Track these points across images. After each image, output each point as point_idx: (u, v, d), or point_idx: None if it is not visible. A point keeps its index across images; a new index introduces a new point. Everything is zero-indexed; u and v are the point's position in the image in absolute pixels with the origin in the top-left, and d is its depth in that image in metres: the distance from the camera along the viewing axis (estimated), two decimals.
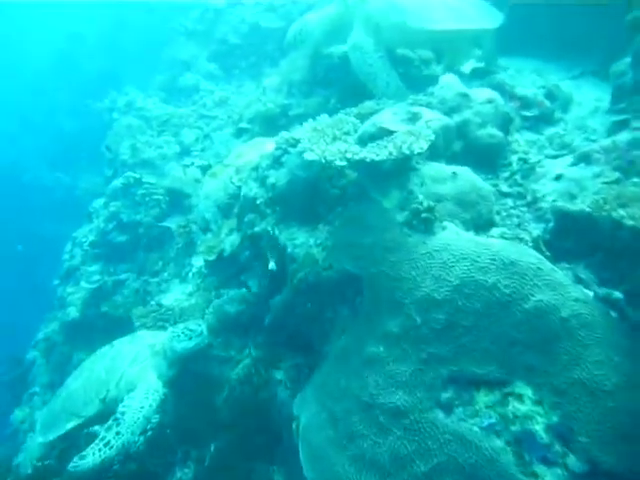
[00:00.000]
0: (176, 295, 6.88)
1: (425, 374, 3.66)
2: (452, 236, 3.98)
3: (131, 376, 5.40)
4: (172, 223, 8.08)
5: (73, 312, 8.95)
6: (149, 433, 5.05)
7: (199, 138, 9.31)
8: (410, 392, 3.66)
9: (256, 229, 5.19)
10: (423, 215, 4.03)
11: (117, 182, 9.98)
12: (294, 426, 4.60)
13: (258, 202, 5.20)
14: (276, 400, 5.54)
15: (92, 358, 6.04)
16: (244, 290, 6.19)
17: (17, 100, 25.80)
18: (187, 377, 6.15)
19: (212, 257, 5.75)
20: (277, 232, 5.11)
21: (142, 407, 4.91)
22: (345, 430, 3.91)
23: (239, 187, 5.78)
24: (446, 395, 3.56)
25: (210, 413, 5.44)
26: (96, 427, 5.38)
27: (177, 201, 8.47)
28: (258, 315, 6.08)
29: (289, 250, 4.94)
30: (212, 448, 5.12)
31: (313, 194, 5.01)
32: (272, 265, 4.98)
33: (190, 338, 5.62)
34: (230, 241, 5.61)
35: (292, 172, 4.95)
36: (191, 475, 4.92)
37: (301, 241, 4.88)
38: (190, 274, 7.12)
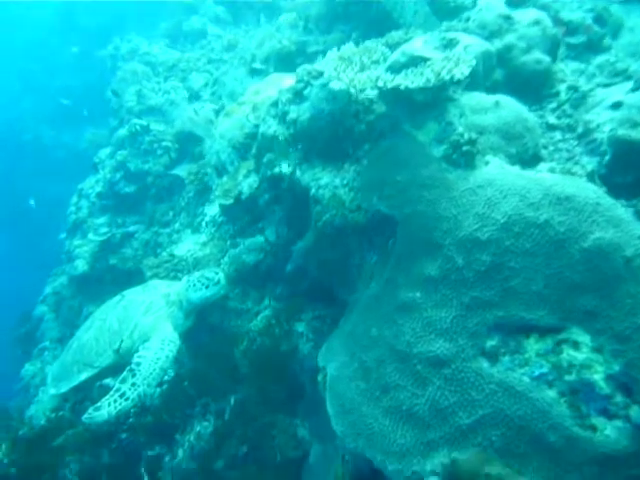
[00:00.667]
0: (189, 245, 6.61)
1: (468, 320, 3.38)
2: (497, 171, 3.64)
3: (145, 326, 5.19)
4: (182, 171, 7.75)
5: (81, 265, 8.74)
6: (165, 385, 4.86)
7: (208, 83, 8.88)
8: (451, 340, 3.39)
9: (276, 170, 4.86)
10: (464, 148, 3.69)
11: (123, 130, 9.62)
12: (320, 378, 4.37)
13: (278, 140, 4.85)
14: (297, 353, 5.34)
15: (103, 308, 5.83)
16: (262, 238, 5.92)
17: (17, 58, 25.22)
18: (204, 329, 5.95)
19: (229, 201, 5.44)
20: (299, 172, 4.78)
21: (158, 358, 4.71)
22: (378, 381, 3.67)
23: (256, 125, 5.42)
24: (491, 343, 3.29)
25: (229, 366, 5.23)
26: (110, 379, 5.20)
27: (187, 148, 8.11)
28: (277, 265, 5.83)
29: (313, 191, 4.62)
30: (232, 401, 4.93)
31: (338, 130, 4.66)
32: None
33: (207, 287, 5.39)
34: (248, 183, 5.29)
35: (315, 106, 4.58)
36: (211, 429, 4.75)
37: (326, 181, 4.56)
38: (203, 223, 6.83)
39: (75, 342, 5.58)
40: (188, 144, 8.12)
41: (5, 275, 21.75)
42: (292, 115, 4.77)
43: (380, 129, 4.44)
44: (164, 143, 8.06)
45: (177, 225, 7.52)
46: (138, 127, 8.93)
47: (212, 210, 6.79)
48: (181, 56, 10.29)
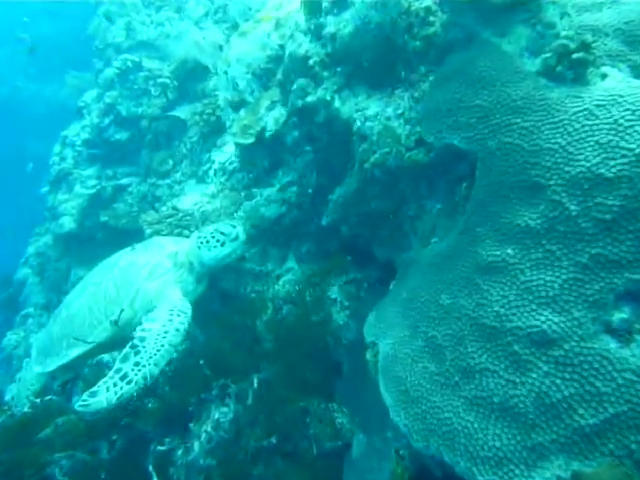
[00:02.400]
0: (195, 198, 5.81)
1: (586, 285, 2.63)
2: (621, 85, 2.83)
3: (149, 293, 4.44)
4: (183, 112, 6.88)
5: (68, 222, 7.97)
6: (176, 364, 4.12)
7: (209, 12, 7.90)
8: (562, 311, 2.65)
9: (309, 99, 4.05)
10: (574, 56, 2.87)
11: (111, 69, 8.67)
12: (369, 356, 3.68)
13: (311, 62, 4.03)
14: (331, 323, 4.63)
15: (97, 271, 5.07)
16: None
17: None
18: (215, 295, 5.23)
19: (248, 140, 4.62)
20: (338, 102, 3.97)
21: (166, 332, 3.97)
22: (456, 363, 2.95)
23: (281, 46, 4.57)
24: (621, 316, 2.55)
25: (249, 340, 4.51)
26: (107, 356, 4.48)
27: (188, 86, 7.20)
28: (303, 219, 5.07)
29: (358, 125, 3.82)
30: (255, 382, 4.21)
31: (389, 48, 3.82)
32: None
33: (222, 244, 4.62)
34: (273, 117, 4.46)
35: (360, 15, 3.74)
36: (231, 416, 4.04)
37: (374, 111, 3.77)
38: (211, 172, 6.02)
39: (64, 311, 4.83)
40: (189, 81, 7.20)
41: None
42: (329, 29, 3.92)
43: (445, 43, 3.61)
44: (161, 80, 7.15)
45: (178, 175, 6.70)
46: (129, 63, 8.02)
47: (221, 156, 5.97)
48: None
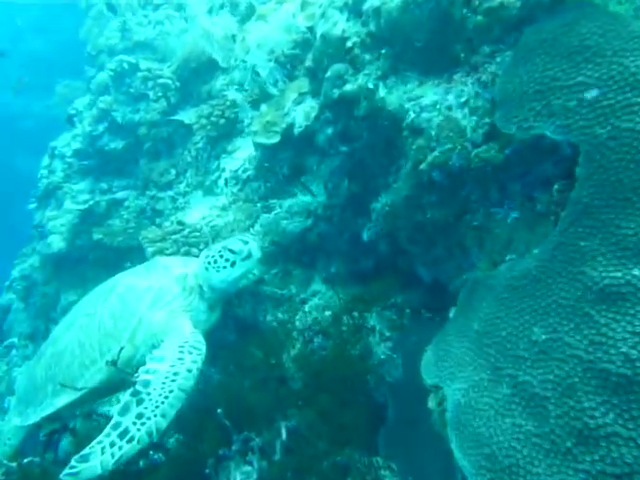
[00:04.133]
0: (203, 211, 5.18)
1: None
2: None
3: (154, 324, 3.79)
4: (187, 117, 6.25)
5: (57, 242, 7.30)
6: (187, 412, 3.44)
7: (214, 7, 7.31)
8: None
9: (347, 88, 3.43)
10: None
11: (105, 73, 8.05)
12: (432, 404, 3.03)
13: (349, 44, 3.43)
14: (371, 357, 3.98)
15: (89, 298, 4.41)
16: (309, 197, 4.50)
17: None
18: (230, 324, 4.58)
19: (272, 139, 3.99)
20: (384, 90, 3.34)
21: (176, 374, 3.30)
22: (566, 422, 2.29)
23: (310, 28, 3.96)
24: None
25: (275, 379, 3.85)
26: (103, 403, 3.80)
27: (191, 88, 6.54)
28: (332, 234, 4.44)
29: (411, 116, 3.19)
30: (283, 432, 3.54)
31: (445, 25, 3.21)
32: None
33: (233, 264, 3.95)
34: (303, 111, 3.83)
35: None
36: (255, 476, 3.36)
37: (432, 100, 3.15)
38: (221, 181, 5.39)
39: (49, 348, 4.16)
40: (193, 82, 6.55)
41: None
42: (372, 2, 3.32)
43: (515, 15, 2.99)
44: (161, 80, 6.52)
45: (182, 186, 6.05)
46: (125, 65, 7.40)
47: (233, 163, 5.35)
48: None
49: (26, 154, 17.98)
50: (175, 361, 3.39)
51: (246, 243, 4.07)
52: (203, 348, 3.56)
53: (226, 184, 5.27)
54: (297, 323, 4.14)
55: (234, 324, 4.69)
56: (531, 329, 2.56)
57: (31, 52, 20.07)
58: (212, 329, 4.13)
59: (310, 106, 3.85)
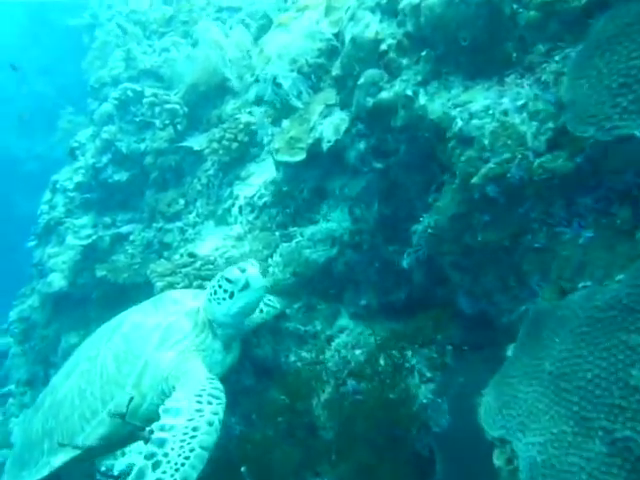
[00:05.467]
0: (216, 242, 4.83)
1: None
2: None
3: (162, 368, 3.38)
4: (195, 143, 5.94)
5: (58, 280, 6.94)
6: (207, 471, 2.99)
7: (226, 21, 7.08)
8: None
9: (383, 96, 3.09)
10: None
11: (108, 103, 7.81)
12: (499, 461, 2.60)
13: (384, 47, 3.10)
14: (412, 402, 3.55)
15: (92, 340, 4.02)
16: (333, 223, 4.14)
17: None
18: (252, 367, 4.18)
19: (297, 156, 3.64)
20: (424, 97, 3.00)
21: (195, 428, 2.87)
22: None
23: (335, 34, 3.66)
24: None
25: (304, 429, 3.43)
26: (108, 461, 3.36)
27: (200, 113, 6.26)
28: (361, 263, 4.05)
29: (458, 124, 2.84)
30: None
31: (493, 22, 2.89)
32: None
33: (231, 295, 3.50)
34: (332, 124, 3.49)
35: None
36: None
37: (483, 105, 2.80)
38: (234, 209, 5.03)
39: (48, 397, 3.75)
40: (201, 107, 6.27)
41: None
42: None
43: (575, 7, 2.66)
44: (169, 106, 6.23)
45: (192, 217, 5.70)
46: (130, 92, 7.16)
47: (247, 190, 5.01)
48: (181, 6, 8.50)
49: (28, 196, 17.91)
50: (193, 413, 2.96)
51: (243, 271, 3.52)
52: (223, 396, 3.14)
53: (240, 212, 4.92)
54: (329, 364, 3.70)
55: (252, 366, 4.28)
56: (627, 371, 2.14)
57: (34, 94, 20.18)
58: (229, 372, 3.70)
59: (340, 118, 3.52)
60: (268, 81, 3.85)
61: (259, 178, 5.01)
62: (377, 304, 4.14)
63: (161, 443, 2.76)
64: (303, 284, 4.20)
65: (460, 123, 2.82)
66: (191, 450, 2.74)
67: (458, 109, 2.86)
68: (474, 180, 2.75)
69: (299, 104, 3.83)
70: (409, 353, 3.73)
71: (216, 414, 2.97)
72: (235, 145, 5.18)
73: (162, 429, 2.84)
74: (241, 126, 5.22)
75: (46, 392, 3.92)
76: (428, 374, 3.65)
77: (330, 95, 3.68)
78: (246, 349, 4.25)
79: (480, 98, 2.82)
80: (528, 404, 2.49)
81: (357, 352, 3.96)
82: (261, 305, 4.14)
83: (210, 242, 4.94)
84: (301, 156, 3.69)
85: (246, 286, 3.48)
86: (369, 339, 4.05)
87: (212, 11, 8.06)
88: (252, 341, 4.26)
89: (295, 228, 4.45)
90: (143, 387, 3.41)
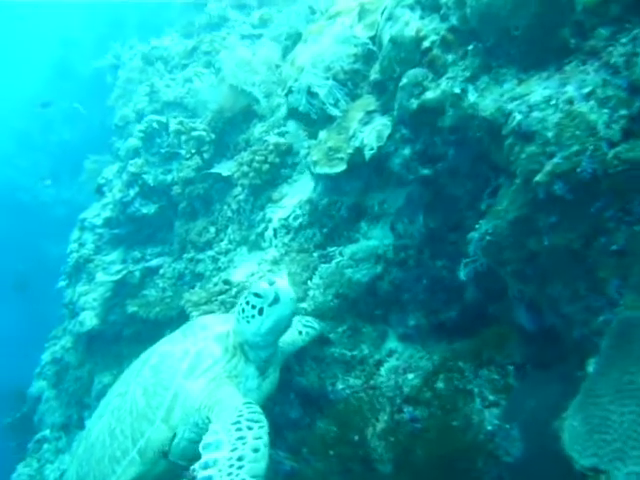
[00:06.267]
0: (250, 268, 4.62)
1: None
2: None
3: (192, 399, 3.15)
4: (224, 169, 5.78)
5: (89, 319, 6.79)
6: None
7: (253, 37, 7.00)
8: None
9: (428, 96, 2.86)
10: None
11: (134, 139, 7.75)
12: None
13: (427, 44, 2.90)
14: (475, 429, 3.24)
15: (124, 376, 3.81)
16: (375, 241, 3.92)
17: (10, 117, 24.91)
18: (297, 397, 3.91)
19: (337, 167, 3.43)
20: (474, 94, 2.78)
21: (241, 458, 2.62)
22: None
23: (372, 38, 3.47)
24: None
25: (358, 462, 3.14)
26: None
27: (227, 139, 6.13)
28: (407, 280, 3.80)
29: (517, 119, 2.60)
30: None
31: (547, 8, 2.67)
32: None
33: (260, 311, 3.19)
34: (374, 130, 3.27)
35: None
36: None
37: (544, 95, 2.57)
38: (268, 233, 4.81)
39: (82, 442, 3.54)
40: (228, 132, 6.14)
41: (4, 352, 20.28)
42: None
43: None
44: (195, 133, 6.10)
45: (224, 244, 5.50)
46: (155, 124, 7.08)
47: (281, 212, 4.81)
48: (202, 37, 8.48)
49: (57, 241, 18.16)
50: (235, 442, 2.70)
51: (272, 284, 3.23)
52: (264, 419, 2.88)
53: (275, 235, 4.70)
54: (381, 390, 3.42)
55: (297, 397, 4.00)
56: None
57: (61, 142, 20.58)
58: (266, 400, 3.41)
59: (382, 124, 3.30)
60: (302, 91, 3.66)
61: (292, 199, 4.81)
62: (427, 324, 3.87)
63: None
64: (347, 306, 3.95)
65: (518, 117, 2.58)
66: None
67: (515, 102, 2.62)
68: (538, 178, 2.49)
69: (337, 112, 3.63)
70: (468, 375, 3.44)
71: (260, 438, 2.71)
72: (266, 167, 4.99)
73: (206, 467, 2.59)
74: (271, 147, 5.04)
75: (80, 436, 3.74)
76: (491, 397, 3.35)
77: (369, 101, 3.48)
78: (289, 378, 4.00)
79: (539, 89, 2.58)
80: (625, 427, 2.18)
81: (410, 376, 3.68)
82: (299, 327, 3.91)
83: (245, 268, 4.73)
84: (341, 167, 3.47)
85: (276, 300, 3.18)
86: (421, 362, 3.78)
87: (235, 39, 7.98)
88: (295, 369, 4.00)
89: (334, 248, 4.24)
90: (173, 420, 3.17)
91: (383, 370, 3.81)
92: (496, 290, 3.42)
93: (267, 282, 3.24)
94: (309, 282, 4.15)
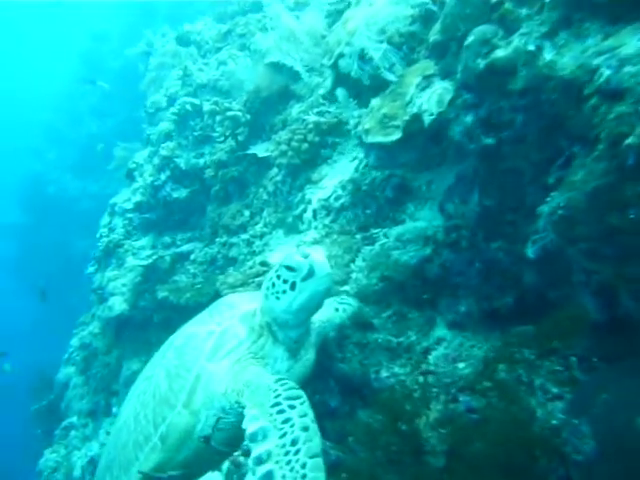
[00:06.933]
0: (288, 251, 4.37)
1: None
2: None
3: (215, 382, 2.97)
4: (260, 150, 5.56)
5: (119, 304, 6.66)
6: None
7: (282, 36, 6.74)
8: None
9: (498, 54, 2.60)
10: None
11: (165, 123, 7.62)
12: None
13: None
14: (540, 424, 2.98)
15: (152, 360, 3.60)
16: (422, 222, 3.67)
17: (40, 111, 25.53)
18: (337, 385, 3.68)
19: (392, 136, 3.17)
20: (552, 51, 2.51)
21: (294, 442, 2.42)
22: None
23: None
24: None
25: (409, 454, 2.89)
26: None
27: (263, 119, 5.89)
28: (459, 263, 3.56)
29: (604, 75, 2.34)
30: None
31: None
32: None
33: (293, 286, 2.90)
34: (435, 94, 3.01)
35: None
36: None
37: (637, 47, 2.27)
38: (307, 215, 4.58)
39: (113, 426, 3.34)
40: (264, 113, 5.91)
41: (33, 345, 20.55)
42: None
43: None
44: (230, 113, 5.89)
45: (259, 227, 5.29)
46: (189, 106, 6.93)
47: (320, 192, 4.57)
48: (237, 20, 8.26)
49: (83, 235, 18.34)
50: (281, 426, 2.49)
51: (306, 256, 2.93)
52: (302, 393, 2.66)
53: (315, 217, 4.47)
54: (431, 378, 3.17)
55: (337, 384, 3.76)
56: None
57: (90, 135, 20.67)
58: (300, 385, 3.15)
59: (442, 88, 3.04)
60: (354, 55, 3.41)
61: (333, 180, 4.58)
62: (479, 311, 3.60)
63: (269, 476, 2.30)
64: (392, 290, 3.71)
65: (607, 73, 2.30)
66: (303, 466, 2.29)
67: (602, 57, 2.35)
68: (630, 141, 2.22)
69: (392, 77, 3.37)
70: (528, 366, 3.17)
71: (305, 415, 2.52)
72: (305, 146, 4.76)
73: (260, 461, 2.36)
74: (310, 126, 4.81)
75: (113, 422, 3.54)
76: (554, 390, 3.08)
77: (427, 65, 3.22)
78: (329, 365, 3.76)
79: (633, 40, 2.30)
80: None
81: (461, 365, 3.43)
82: (336, 304, 3.68)
83: (281, 251, 4.51)
84: (397, 135, 3.21)
85: (310, 274, 2.88)
86: (472, 351, 3.53)
87: (279, 8, 7.71)
88: (336, 355, 3.76)
89: (378, 230, 4.00)
90: (195, 404, 2.96)
91: (431, 358, 3.56)
92: (560, 274, 3.15)
93: (301, 254, 2.95)
94: (352, 265, 3.91)
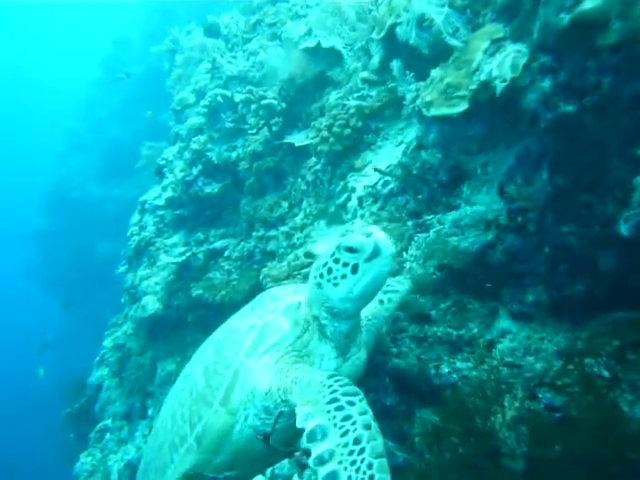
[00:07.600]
0: (332, 242, 4.13)
1: None
2: None
3: (255, 379, 2.69)
4: (297, 139, 5.33)
5: (152, 303, 6.51)
6: None
7: (312, 29, 6.53)
8: None
9: (586, 6, 2.32)
10: None
11: (195, 117, 7.45)
12: None
13: None
14: (632, 424, 2.70)
15: (192, 358, 3.37)
16: (481, 206, 3.41)
17: (63, 119, 26.04)
18: (393, 382, 3.43)
19: (459, 107, 2.88)
20: None
21: (357, 441, 2.19)
22: None
23: None
24: None
25: (483, 456, 2.64)
26: None
27: (299, 107, 5.65)
28: (525, 249, 3.28)
29: None
30: None
31: None
32: None
33: (354, 268, 2.56)
34: (510, 58, 2.73)
35: None
36: None
37: None
38: (352, 203, 4.34)
39: (153, 427, 3.14)
40: (299, 101, 5.68)
41: (63, 346, 20.69)
42: None
43: None
44: (265, 102, 5.66)
45: (299, 219, 5.05)
46: (220, 98, 6.74)
47: (365, 180, 4.32)
48: (266, 10, 8.05)
49: (106, 238, 18.45)
50: (342, 424, 2.25)
51: (369, 235, 2.60)
52: (359, 390, 2.40)
53: (360, 205, 4.22)
54: (502, 373, 2.90)
55: (392, 381, 3.51)
56: None
57: (111, 140, 20.75)
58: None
59: (515, 51, 2.76)
60: (412, 22, 3.15)
61: (378, 166, 4.32)
62: (548, 300, 3.31)
63: (334, 476, 2.07)
64: (451, 279, 3.46)
65: None
66: (369, 466, 2.06)
67: None
68: None
69: (457, 43, 3.10)
70: (609, 360, 2.88)
71: (365, 412, 2.28)
72: (347, 132, 4.51)
73: (322, 461, 2.13)
74: (352, 110, 4.56)
75: (149, 424, 3.34)
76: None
77: (496, 28, 2.94)
78: (384, 360, 3.52)
79: None
80: None
81: (530, 359, 3.16)
82: (379, 295, 3.31)
83: (325, 243, 4.27)
84: (463, 106, 2.92)
85: (375, 253, 2.56)
86: (542, 344, 3.25)
87: (301, 6, 7.50)
88: (391, 351, 3.51)
89: (431, 216, 3.74)
90: (233, 403, 2.72)
91: (496, 352, 3.29)
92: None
93: (362, 234, 2.63)
94: (404, 254, 3.66)
